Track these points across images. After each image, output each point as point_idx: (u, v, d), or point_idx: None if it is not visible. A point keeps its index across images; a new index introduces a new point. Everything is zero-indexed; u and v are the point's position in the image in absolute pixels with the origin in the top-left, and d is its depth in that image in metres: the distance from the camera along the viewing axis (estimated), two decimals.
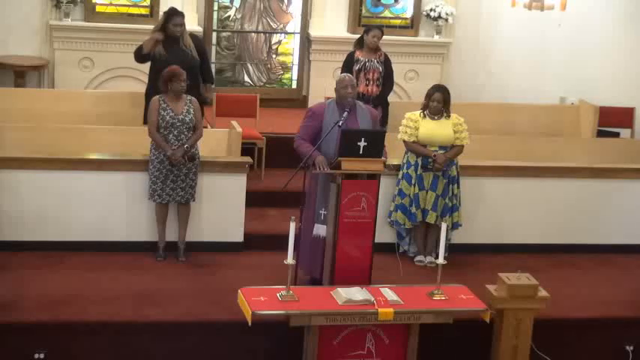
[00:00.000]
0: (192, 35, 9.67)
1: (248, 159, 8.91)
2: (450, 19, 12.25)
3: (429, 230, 8.74)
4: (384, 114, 9.90)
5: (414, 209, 8.62)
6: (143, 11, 11.78)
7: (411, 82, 12.26)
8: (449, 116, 8.59)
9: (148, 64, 9.51)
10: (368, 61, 9.78)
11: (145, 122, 9.18)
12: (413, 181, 8.62)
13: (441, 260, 7.17)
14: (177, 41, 9.35)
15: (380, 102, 9.79)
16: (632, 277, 8.90)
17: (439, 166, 8.48)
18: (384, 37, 10.12)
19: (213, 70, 11.76)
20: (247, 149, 9.61)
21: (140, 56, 9.46)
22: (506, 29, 12.34)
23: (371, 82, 9.77)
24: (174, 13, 9.36)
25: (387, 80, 9.89)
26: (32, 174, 8.39)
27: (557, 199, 9.30)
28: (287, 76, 12.37)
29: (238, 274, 8.19)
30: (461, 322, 7.21)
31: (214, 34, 12.06)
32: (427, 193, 8.60)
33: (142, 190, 8.50)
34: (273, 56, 12.30)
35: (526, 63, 12.26)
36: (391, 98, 10.09)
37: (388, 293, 7.02)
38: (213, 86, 10.01)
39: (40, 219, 8.42)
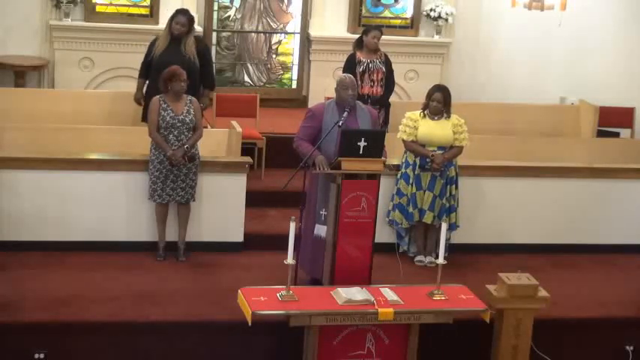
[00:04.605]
0: (199, 40, 9.67)
1: (248, 159, 8.91)
2: (450, 19, 12.24)
3: (429, 230, 8.74)
4: (386, 116, 9.90)
5: (411, 209, 8.62)
6: (143, 11, 11.77)
7: (411, 82, 12.26)
8: (449, 117, 8.59)
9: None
10: (370, 62, 9.76)
11: (144, 120, 9.22)
12: (411, 181, 8.62)
13: (441, 260, 7.17)
14: (179, 43, 9.36)
15: (382, 104, 9.79)
16: (632, 277, 8.90)
17: (437, 167, 8.47)
18: (384, 37, 10.12)
19: (214, 71, 11.75)
20: (247, 149, 9.61)
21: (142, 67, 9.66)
22: (506, 29, 12.34)
23: (375, 83, 9.75)
24: (179, 12, 9.45)
25: (388, 81, 9.87)
26: (32, 174, 8.39)
27: (557, 199, 9.30)
28: (287, 76, 12.37)
29: (238, 274, 8.19)
30: (461, 322, 7.21)
31: (214, 34, 12.05)
32: (424, 193, 8.60)
33: (142, 190, 8.50)
34: (273, 56, 12.30)
35: (526, 63, 12.27)
36: (391, 98, 10.08)
37: (388, 293, 7.02)
38: (212, 92, 9.99)
39: (40, 219, 8.42)
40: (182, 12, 9.44)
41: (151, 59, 9.37)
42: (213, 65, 10.45)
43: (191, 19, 9.43)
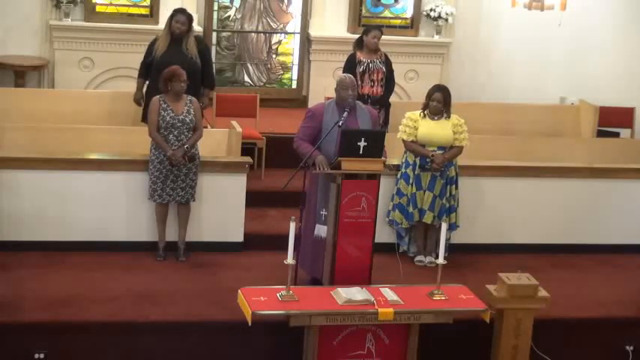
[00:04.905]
0: (199, 40, 9.67)
1: (248, 159, 8.91)
2: (450, 19, 12.25)
3: (429, 230, 8.74)
4: (386, 116, 9.89)
5: (411, 209, 8.62)
6: (143, 11, 11.78)
7: (411, 82, 12.26)
8: (449, 117, 8.59)
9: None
10: (371, 62, 9.76)
11: (143, 120, 9.22)
12: (411, 181, 8.62)
13: (441, 260, 7.17)
14: (180, 42, 9.36)
15: (382, 104, 9.79)
16: (632, 277, 8.90)
17: (437, 167, 8.47)
18: (384, 37, 10.12)
19: (214, 71, 11.73)
20: (247, 149, 9.61)
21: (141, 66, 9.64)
22: (506, 29, 12.34)
23: (376, 83, 9.76)
24: (178, 12, 9.45)
25: (388, 81, 9.87)
26: (32, 174, 8.39)
27: (557, 199, 9.30)
28: (287, 76, 12.37)
29: (238, 274, 8.19)
30: (461, 322, 7.21)
31: (214, 34, 12.06)
32: (424, 193, 8.59)
33: (142, 190, 8.50)
34: (273, 56, 12.30)
35: (526, 63, 12.27)
36: (391, 98, 10.08)
37: (388, 293, 7.02)
38: (212, 92, 9.99)
39: (40, 219, 8.42)
40: (181, 11, 9.46)
41: (152, 60, 9.36)
42: (214, 65, 10.46)
43: (190, 18, 9.44)
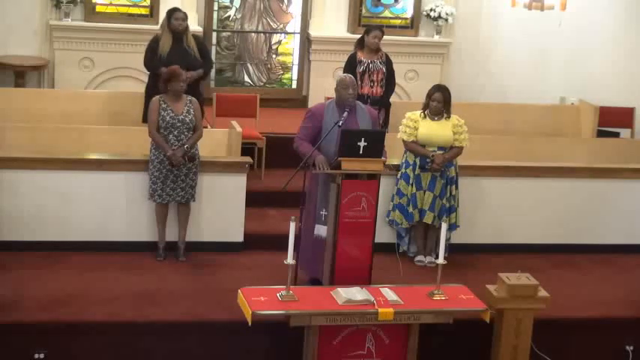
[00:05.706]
0: (197, 37, 9.75)
1: (248, 159, 8.91)
2: (450, 19, 12.25)
3: (429, 230, 8.74)
4: (386, 116, 9.89)
5: (411, 209, 8.62)
6: (143, 11, 11.78)
7: (411, 82, 12.26)
8: (449, 117, 8.58)
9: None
10: (371, 62, 9.76)
11: (144, 120, 9.23)
12: (411, 181, 8.62)
13: (441, 260, 7.17)
14: (181, 41, 9.40)
15: (383, 104, 9.79)
16: (632, 277, 8.90)
17: (437, 167, 8.47)
18: (384, 37, 10.12)
19: (214, 71, 11.74)
20: (247, 149, 9.62)
21: (149, 61, 9.58)
22: (506, 29, 12.34)
23: (375, 84, 9.75)
24: (175, 10, 9.54)
25: (388, 82, 9.87)
26: (32, 174, 8.39)
27: (557, 199, 9.30)
28: (287, 76, 12.37)
29: (238, 274, 8.19)
30: (461, 322, 7.21)
31: (214, 34, 12.06)
32: (425, 193, 8.59)
33: (142, 190, 8.50)
34: (273, 56, 12.30)
35: (526, 63, 12.27)
36: (391, 98, 10.08)
37: (388, 293, 7.02)
38: (207, 79, 9.99)
39: (40, 219, 8.42)
40: (177, 9, 9.58)
41: (159, 60, 9.35)
42: (214, 64, 10.47)
43: (186, 14, 9.56)
